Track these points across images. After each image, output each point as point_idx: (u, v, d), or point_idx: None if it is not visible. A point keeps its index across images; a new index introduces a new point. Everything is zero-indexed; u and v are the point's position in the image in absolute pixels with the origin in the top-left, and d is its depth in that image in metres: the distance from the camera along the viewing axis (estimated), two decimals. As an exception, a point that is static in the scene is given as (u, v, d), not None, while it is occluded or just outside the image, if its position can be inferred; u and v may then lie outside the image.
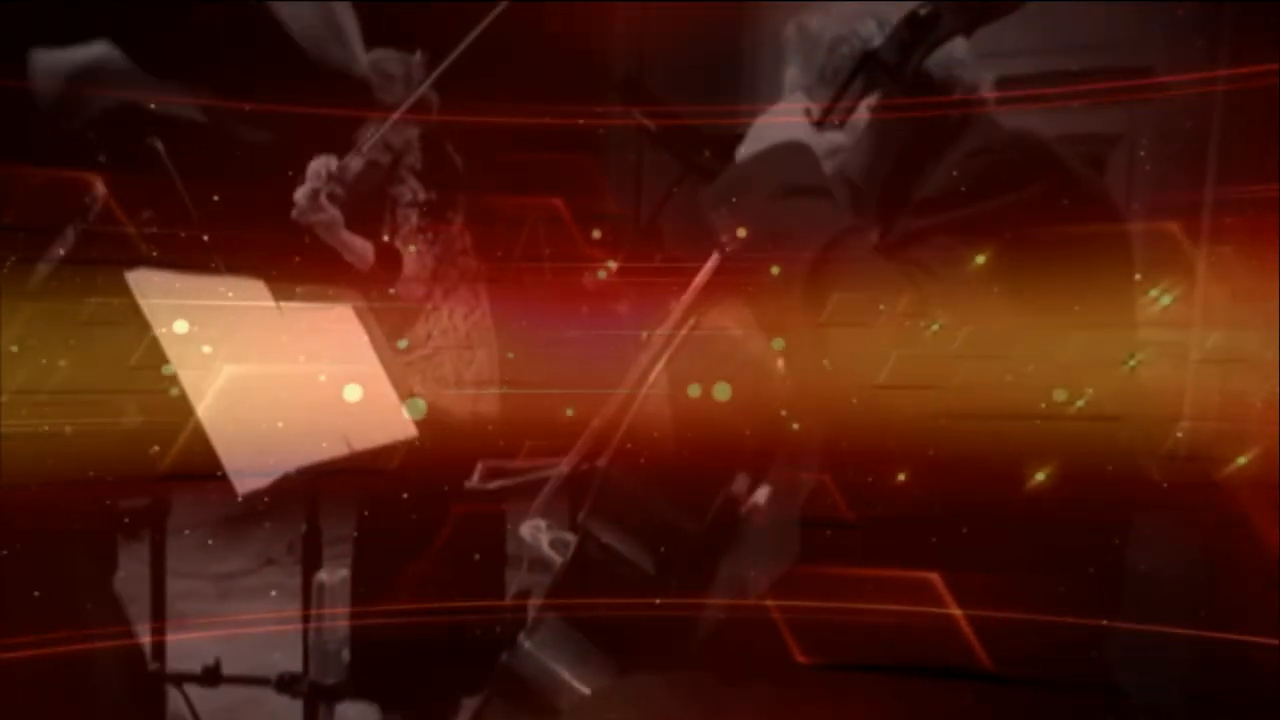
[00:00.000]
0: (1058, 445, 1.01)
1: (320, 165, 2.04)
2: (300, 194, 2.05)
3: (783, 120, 1.17)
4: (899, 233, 1.10)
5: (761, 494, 1.25)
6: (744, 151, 1.18)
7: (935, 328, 0.99)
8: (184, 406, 1.45)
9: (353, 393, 1.62)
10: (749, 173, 1.15)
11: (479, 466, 1.48)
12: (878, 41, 1.15)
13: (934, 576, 1.05)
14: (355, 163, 2.10)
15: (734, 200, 1.13)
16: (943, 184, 1.10)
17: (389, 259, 2.20)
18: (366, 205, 2.21)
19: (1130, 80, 2.45)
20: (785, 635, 1.09)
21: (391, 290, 2.18)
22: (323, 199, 2.05)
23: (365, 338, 1.75)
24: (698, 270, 1.22)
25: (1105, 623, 1.08)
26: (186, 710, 1.99)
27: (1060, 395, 0.99)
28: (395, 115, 2.06)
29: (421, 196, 2.25)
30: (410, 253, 2.22)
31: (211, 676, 2.01)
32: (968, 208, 1.06)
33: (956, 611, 1.04)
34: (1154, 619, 1.16)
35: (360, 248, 2.16)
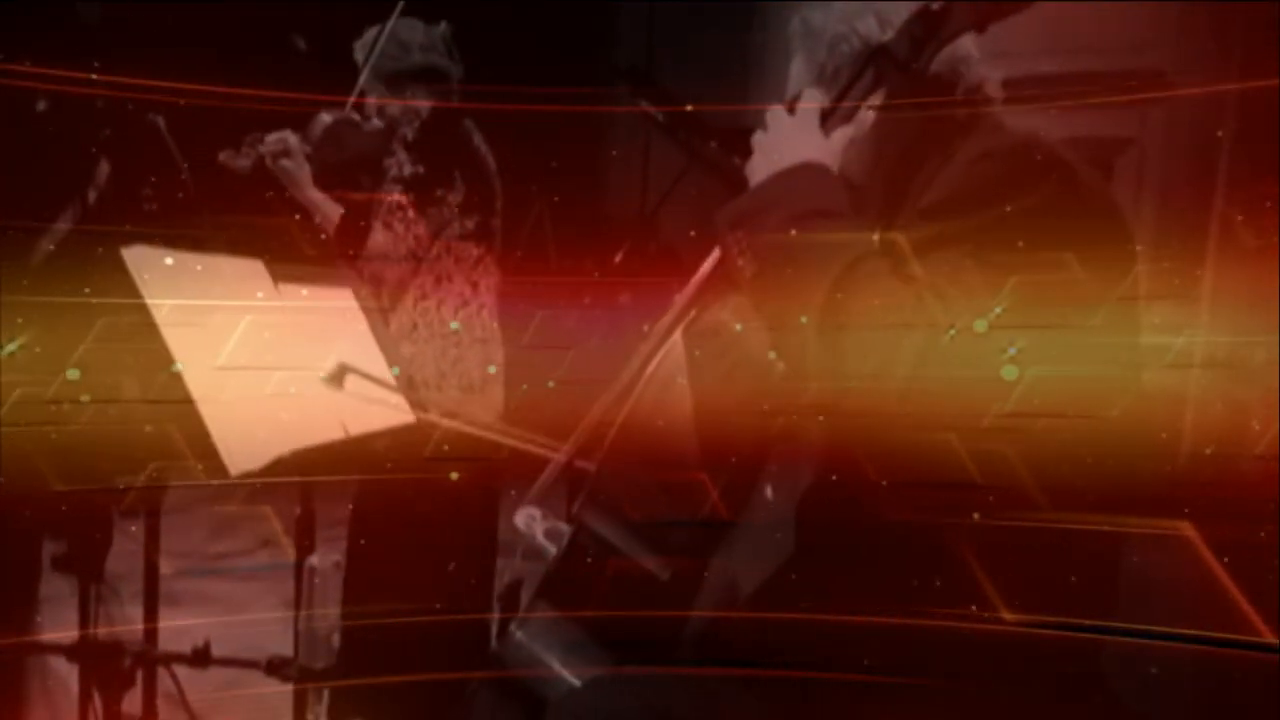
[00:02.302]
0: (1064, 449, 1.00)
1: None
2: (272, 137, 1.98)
3: (792, 122, 1.15)
4: (906, 240, 1.07)
5: (758, 490, 1.24)
6: (759, 167, 1.15)
7: (951, 334, 0.98)
8: (180, 391, 1.44)
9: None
10: (768, 195, 1.13)
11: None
12: (878, 39, 1.13)
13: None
14: (324, 119, 2.01)
15: (752, 222, 1.11)
16: (947, 190, 1.08)
17: (354, 229, 2.06)
18: (354, 171, 2.10)
19: (1141, 83, 2.43)
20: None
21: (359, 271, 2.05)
22: (291, 142, 1.97)
23: (363, 321, 1.73)
24: (699, 263, 1.20)
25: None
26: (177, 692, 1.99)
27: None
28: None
29: (408, 171, 2.10)
30: (383, 228, 2.08)
31: (201, 658, 2.00)
32: (974, 215, 1.04)
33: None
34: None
35: (329, 211, 2.04)
